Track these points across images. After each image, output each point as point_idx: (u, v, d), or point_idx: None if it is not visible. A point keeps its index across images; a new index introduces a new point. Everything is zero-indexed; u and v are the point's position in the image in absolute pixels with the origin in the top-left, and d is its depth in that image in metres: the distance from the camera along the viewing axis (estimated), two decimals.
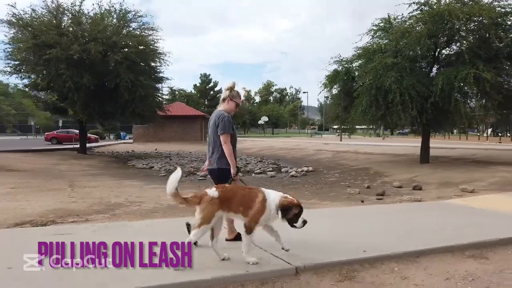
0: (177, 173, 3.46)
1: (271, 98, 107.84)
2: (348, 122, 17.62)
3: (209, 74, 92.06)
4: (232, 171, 4.06)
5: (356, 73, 16.74)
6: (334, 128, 77.36)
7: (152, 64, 22.87)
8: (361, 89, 15.01)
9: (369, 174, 15.04)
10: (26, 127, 60.30)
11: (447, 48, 15.85)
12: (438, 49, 15.41)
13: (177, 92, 67.33)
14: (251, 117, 78.94)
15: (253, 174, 16.03)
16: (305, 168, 16.91)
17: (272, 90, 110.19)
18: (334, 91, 17.69)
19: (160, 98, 24.13)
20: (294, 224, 3.51)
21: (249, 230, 3.48)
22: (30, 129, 60.70)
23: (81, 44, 18.77)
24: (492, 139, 36.42)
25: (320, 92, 17.29)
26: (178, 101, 51.91)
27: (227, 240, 4.20)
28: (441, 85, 13.35)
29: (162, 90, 25.21)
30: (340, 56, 17.04)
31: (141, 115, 21.73)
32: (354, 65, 17.06)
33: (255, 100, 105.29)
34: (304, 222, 3.51)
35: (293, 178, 14.62)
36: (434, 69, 15.93)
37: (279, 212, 3.49)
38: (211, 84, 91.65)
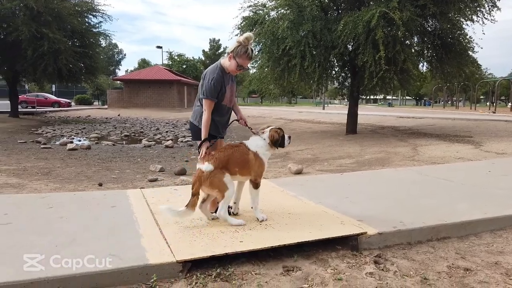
0: (166, 207, 3.15)
1: None
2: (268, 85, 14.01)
3: (219, 39, 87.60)
4: (203, 137, 3.37)
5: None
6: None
7: (80, 18, 20.40)
8: (260, 38, 11.89)
9: None
10: None
11: None
12: None
13: (176, 58, 64.17)
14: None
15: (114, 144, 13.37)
16: None
17: None
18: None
19: (92, 57, 21.37)
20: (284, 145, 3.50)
21: (257, 185, 3.36)
22: None
23: None
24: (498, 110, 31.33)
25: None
26: (158, 66, 48.63)
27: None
28: (342, 31, 10.06)
29: (98, 48, 22.49)
30: None
31: (60, 74, 19.37)
32: (271, 12, 13.59)
33: None
34: (289, 137, 3.52)
35: (168, 148, 11.95)
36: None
37: (272, 146, 3.40)
38: (221, 50, 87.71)
